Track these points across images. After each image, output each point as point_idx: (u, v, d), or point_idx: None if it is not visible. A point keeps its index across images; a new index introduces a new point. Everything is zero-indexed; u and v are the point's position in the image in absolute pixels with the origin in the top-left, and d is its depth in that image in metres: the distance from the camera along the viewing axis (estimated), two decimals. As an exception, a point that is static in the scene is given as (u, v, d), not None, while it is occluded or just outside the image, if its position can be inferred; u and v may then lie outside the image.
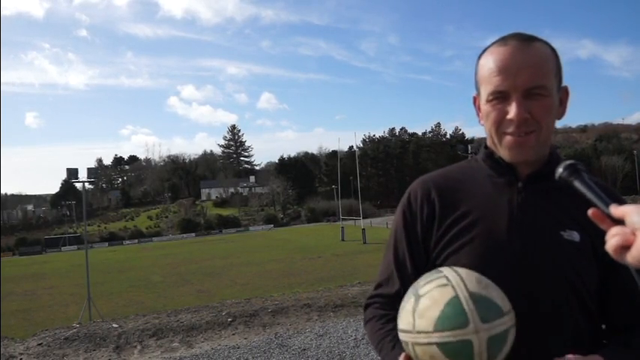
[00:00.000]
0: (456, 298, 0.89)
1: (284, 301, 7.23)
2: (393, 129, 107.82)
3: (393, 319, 1.11)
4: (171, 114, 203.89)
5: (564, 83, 1.06)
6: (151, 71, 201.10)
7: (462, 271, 0.95)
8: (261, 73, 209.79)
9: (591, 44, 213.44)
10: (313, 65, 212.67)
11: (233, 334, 5.87)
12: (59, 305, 20.73)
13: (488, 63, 1.02)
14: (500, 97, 0.99)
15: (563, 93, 1.04)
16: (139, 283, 25.99)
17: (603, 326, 1.08)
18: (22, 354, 5.37)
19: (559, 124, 1.11)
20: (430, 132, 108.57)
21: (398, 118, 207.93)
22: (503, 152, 1.04)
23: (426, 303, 0.91)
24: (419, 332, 0.90)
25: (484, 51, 1.07)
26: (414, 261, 1.13)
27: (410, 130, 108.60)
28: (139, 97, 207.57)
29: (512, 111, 0.97)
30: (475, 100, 1.11)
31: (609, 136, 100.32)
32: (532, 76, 0.97)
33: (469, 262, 1.03)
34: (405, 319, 0.95)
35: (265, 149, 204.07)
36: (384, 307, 1.16)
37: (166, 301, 18.57)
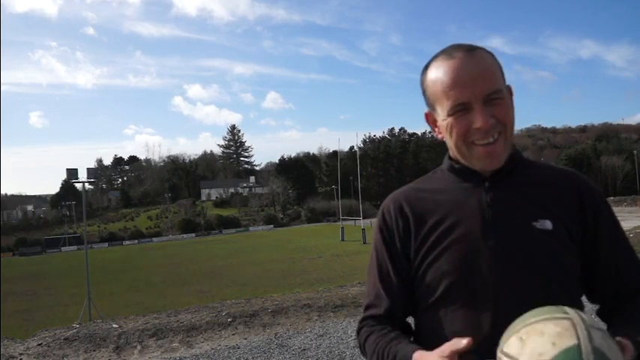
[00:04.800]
0: (578, 348, 0.75)
1: (284, 301, 7.21)
2: (393, 129, 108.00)
3: (392, 331, 1.10)
4: (176, 114, 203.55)
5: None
6: (158, 70, 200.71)
7: (588, 317, 0.81)
8: (265, 73, 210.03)
9: (593, 44, 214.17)
10: (315, 65, 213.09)
11: (233, 334, 5.87)
12: (59, 305, 20.74)
13: (440, 78, 1.02)
14: (462, 110, 1.01)
15: (509, 92, 1.07)
16: (139, 283, 26.01)
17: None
18: (22, 354, 5.36)
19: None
20: (430, 132, 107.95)
21: (399, 118, 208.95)
22: (474, 163, 1.05)
23: (539, 336, 0.78)
24: None
25: (427, 67, 1.07)
26: (398, 276, 1.13)
27: (410, 130, 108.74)
28: (145, 96, 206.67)
29: (478, 120, 0.99)
30: (428, 116, 1.12)
31: (609, 136, 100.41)
32: (488, 83, 1.00)
33: (450, 267, 1.05)
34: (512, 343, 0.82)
35: (268, 149, 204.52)
36: (379, 323, 1.14)
37: (166, 301, 18.56)
